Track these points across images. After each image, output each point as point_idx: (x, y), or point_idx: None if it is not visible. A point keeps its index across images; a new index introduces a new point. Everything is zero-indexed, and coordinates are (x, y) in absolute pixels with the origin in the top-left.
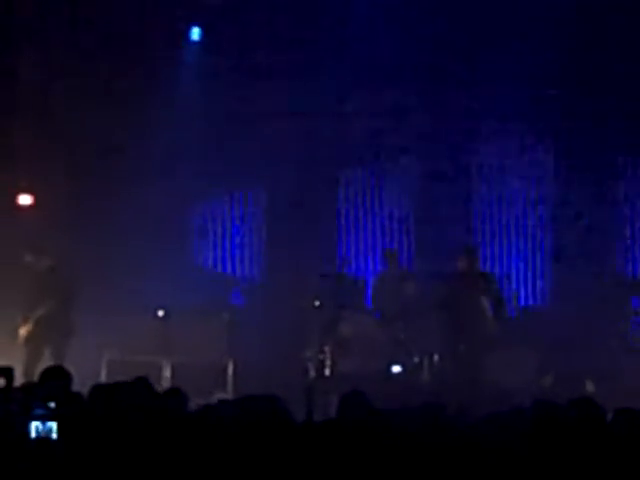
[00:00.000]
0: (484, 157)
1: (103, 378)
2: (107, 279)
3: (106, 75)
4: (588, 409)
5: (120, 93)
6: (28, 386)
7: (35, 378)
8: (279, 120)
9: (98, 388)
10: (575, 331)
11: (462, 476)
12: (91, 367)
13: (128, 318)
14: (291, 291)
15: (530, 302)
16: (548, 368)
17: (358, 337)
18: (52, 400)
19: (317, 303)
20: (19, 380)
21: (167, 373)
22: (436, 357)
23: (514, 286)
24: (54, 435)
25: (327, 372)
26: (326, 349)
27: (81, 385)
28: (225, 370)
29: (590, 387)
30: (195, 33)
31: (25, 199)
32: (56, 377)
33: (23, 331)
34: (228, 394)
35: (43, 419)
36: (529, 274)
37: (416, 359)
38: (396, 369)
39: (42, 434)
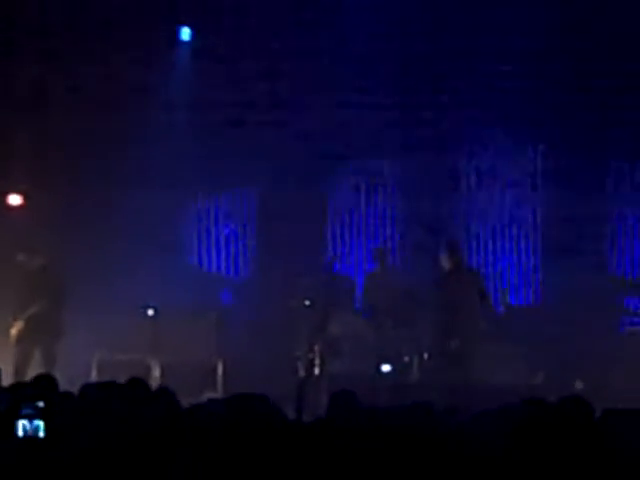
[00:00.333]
0: (474, 157)
1: (93, 377)
2: (97, 278)
3: (99, 76)
4: (577, 407)
5: (113, 94)
6: (16, 386)
7: (26, 378)
8: (269, 119)
9: (89, 387)
10: (565, 330)
11: (451, 475)
12: (81, 367)
13: (118, 317)
14: (281, 290)
15: (520, 300)
16: (538, 366)
17: (348, 336)
18: (40, 399)
19: (307, 302)
20: (10, 380)
21: (157, 372)
22: (426, 356)
23: (504, 284)
24: (41, 434)
25: (317, 371)
26: (316, 348)
27: (71, 384)
28: (215, 369)
29: (579, 385)
30: (185, 34)
31: (15, 199)
32: (44, 383)
33: (14, 331)
34: (218, 393)
35: (31, 418)
36: (519, 273)
37: (406, 358)
38: (386, 368)
39: (29, 433)
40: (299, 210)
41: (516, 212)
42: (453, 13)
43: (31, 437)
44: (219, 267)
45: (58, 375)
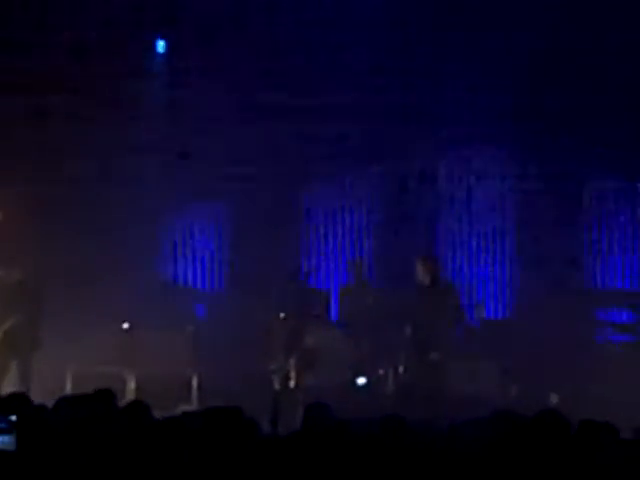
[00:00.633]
0: (449, 169)
1: (68, 390)
2: (71, 291)
3: (72, 84)
4: (554, 420)
5: (86, 104)
6: None
7: (1, 391)
8: (244, 132)
9: (63, 400)
10: (540, 343)
11: None
12: (56, 380)
13: (93, 331)
14: (255, 304)
15: (495, 313)
16: (512, 380)
17: (323, 349)
18: (13, 413)
19: (282, 315)
20: None
21: (132, 386)
22: (401, 369)
23: (479, 297)
24: (12, 447)
25: (292, 384)
26: (291, 361)
27: (46, 397)
28: (190, 383)
29: (554, 399)
30: (160, 46)
31: None
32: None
33: None
34: (193, 406)
35: (3, 432)
36: (494, 286)
37: (381, 371)
38: (361, 381)
39: (1, 447)
40: (273, 223)
41: (491, 225)
42: (429, 22)
43: (2, 451)
44: (194, 281)
45: (33, 388)
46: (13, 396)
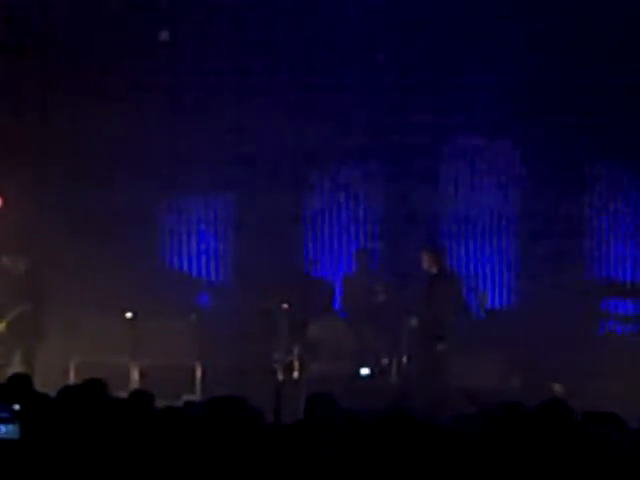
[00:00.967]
0: (452, 160)
1: (71, 381)
2: (75, 281)
3: (75, 77)
4: (558, 411)
5: (88, 94)
6: None
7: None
8: (247, 124)
9: (67, 390)
10: (543, 333)
11: (430, 476)
12: (59, 370)
13: (96, 320)
14: (259, 293)
15: (499, 303)
16: (516, 370)
17: (326, 339)
18: (16, 402)
19: (285, 305)
20: None
21: (135, 375)
22: (404, 359)
23: (483, 288)
24: (17, 436)
25: (295, 374)
26: (294, 351)
27: (48, 387)
28: (193, 372)
29: (558, 389)
30: (164, 35)
31: None
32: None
33: None
34: (196, 396)
35: (6, 421)
36: (498, 275)
37: (384, 361)
38: (364, 371)
39: (5, 436)
40: (276, 212)
41: (494, 215)
42: (430, 25)
43: (6, 440)
44: (198, 270)
45: (35, 378)
46: (15, 377)
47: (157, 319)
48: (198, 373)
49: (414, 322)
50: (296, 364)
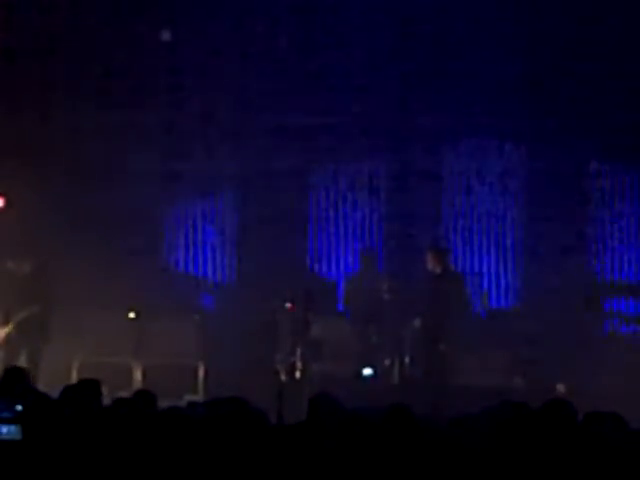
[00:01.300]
0: (454, 160)
1: (74, 380)
2: (77, 281)
3: (75, 75)
4: (561, 410)
5: (88, 94)
6: None
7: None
8: (249, 121)
9: (69, 389)
10: (546, 332)
11: (433, 476)
12: (62, 369)
13: (99, 320)
14: (262, 293)
15: (501, 303)
16: (519, 370)
17: (329, 340)
18: (18, 402)
19: (288, 305)
20: None
21: (138, 375)
22: (407, 359)
23: (485, 286)
24: (19, 437)
25: (298, 375)
26: (297, 351)
27: (51, 387)
28: (196, 372)
29: (561, 389)
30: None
31: None
32: (17, 378)
33: (1, 333)
34: (199, 396)
35: (9, 422)
36: (500, 274)
37: (387, 361)
38: (367, 372)
39: (7, 437)
40: (280, 212)
41: (496, 213)
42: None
43: (9, 441)
44: (201, 270)
45: (40, 378)
46: (10, 371)
47: (160, 319)
48: (201, 373)
49: (417, 322)
50: (299, 364)
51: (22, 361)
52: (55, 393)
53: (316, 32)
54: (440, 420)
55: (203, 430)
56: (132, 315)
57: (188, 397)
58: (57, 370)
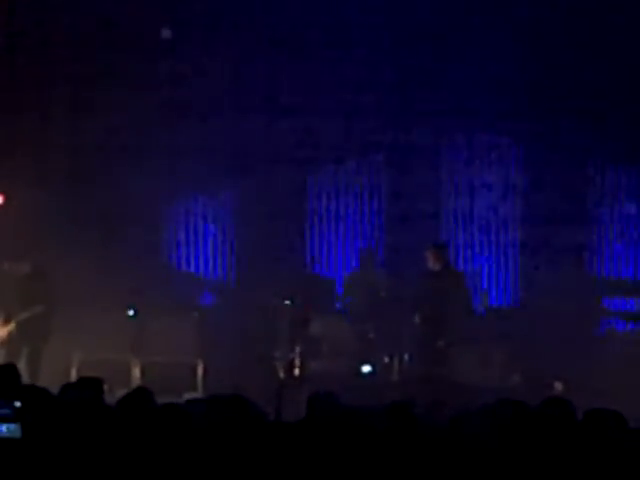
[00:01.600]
0: (453, 158)
1: (73, 377)
2: (77, 278)
3: (75, 75)
4: (559, 409)
5: (90, 93)
6: None
7: None
8: (248, 120)
9: (69, 387)
10: (544, 331)
11: (431, 473)
12: (61, 367)
13: (98, 317)
14: (261, 291)
15: (499, 301)
16: (516, 367)
17: (328, 337)
18: (17, 398)
19: (287, 303)
20: None
21: (137, 373)
22: (406, 357)
23: (484, 284)
24: (18, 435)
25: (297, 372)
26: (296, 349)
27: (50, 385)
28: (195, 370)
29: (559, 387)
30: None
31: None
32: (9, 376)
33: (2, 332)
34: (198, 393)
35: (8, 418)
36: (499, 273)
37: (386, 359)
38: (366, 369)
39: (6, 435)
40: (278, 210)
41: (495, 212)
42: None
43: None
44: (199, 268)
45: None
46: (3, 368)
47: (159, 317)
48: (200, 371)
49: (417, 319)
50: (297, 362)
51: (23, 361)
52: (55, 390)
53: (313, 29)
54: (439, 418)
55: (202, 428)
56: (131, 313)
57: (187, 395)
58: (56, 368)
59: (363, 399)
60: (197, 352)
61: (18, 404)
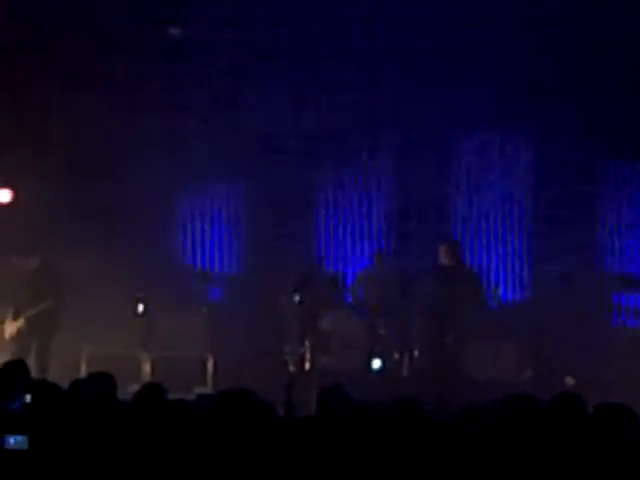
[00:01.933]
0: (462, 153)
1: (83, 373)
2: (85, 273)
3: (86, 72)
4: (571, 403)
5: (98, 87)
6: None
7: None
8: (258, 116)
9: (79, 382)
10: (556, 326)
11: (440, 469)
12: (70, 362)
13: (107, 312)
14: (271, 286)
15: (511, 296)
16: (527, 362)
17: (338, 332)
18: (27, 393)
19: (297, 298)
20: None
21: (147, 368)
22: (416, 352)
23: (495, 280)
24: (25, 447)
25: (307, 367)
26: (306, 344)
27: (60, 379)
28: (205, 365)
29: (570, 381)
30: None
31: (4, 195)
32: (18, 371)
33: (12, 327)
34: (208, 389)
35: (17, 412)
36: (510, 268)
37: (396, 354)
38: (376, 364)
39: (14, 447)
40: (288, 205)
41: (506, 207)
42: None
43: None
44: (209, 263)
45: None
46: (10, 365)
47: (169, 312)
48: (210, 366)
49: (428, 315)
50: (307, 357)
51: (32, 355)
52: (64, 385)
53: (317, 30)
54: (449, 413)
55: (212, 423)
56: (140, 308)
57: (197, 389)
58: (66, 363)
59: (373, 394)
60: (207, 347)
61: (28, 398)
